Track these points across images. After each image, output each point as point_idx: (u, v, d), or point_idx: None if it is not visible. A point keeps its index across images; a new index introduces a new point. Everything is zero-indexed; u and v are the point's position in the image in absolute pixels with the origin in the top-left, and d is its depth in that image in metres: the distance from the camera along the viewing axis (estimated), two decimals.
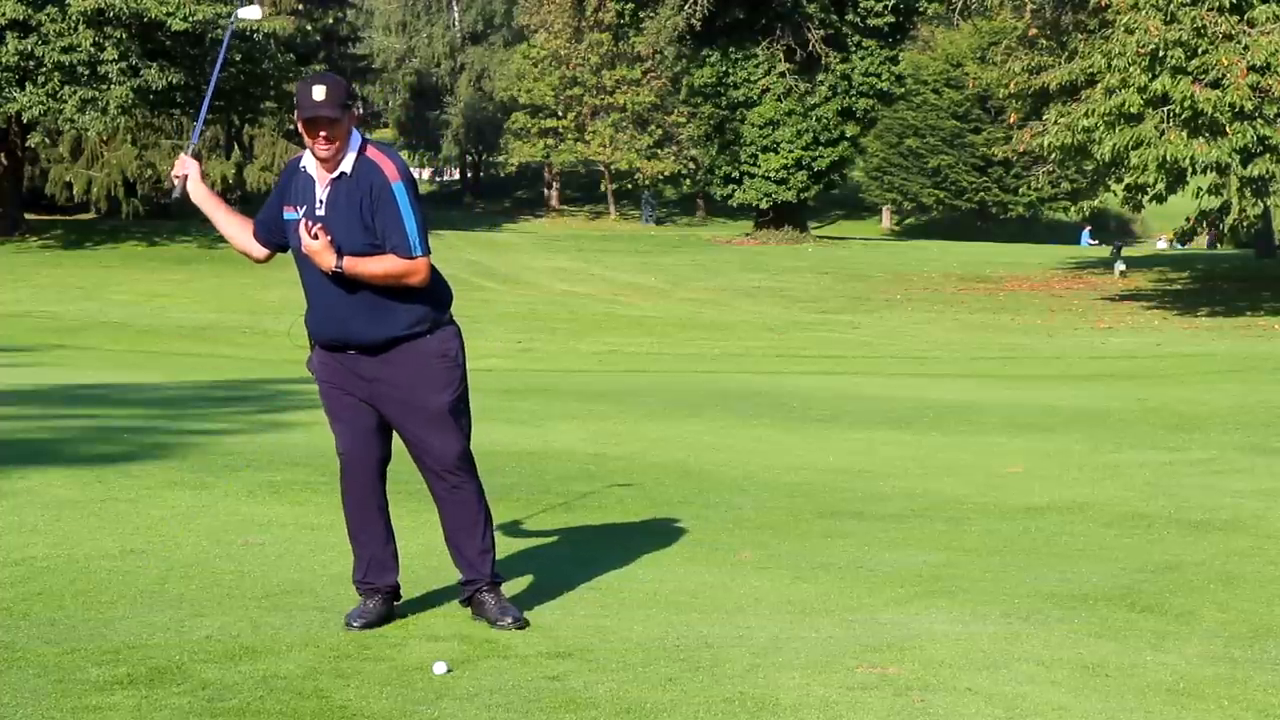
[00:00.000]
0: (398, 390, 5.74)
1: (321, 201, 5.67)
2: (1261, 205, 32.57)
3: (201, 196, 5.98)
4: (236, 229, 6.01)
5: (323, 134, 5.57)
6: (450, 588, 6.22)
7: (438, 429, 5.77)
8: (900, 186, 73.32)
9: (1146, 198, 33.87)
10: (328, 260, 5.61)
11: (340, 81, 5.66)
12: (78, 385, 16.07)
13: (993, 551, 7.67)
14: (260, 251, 5.98)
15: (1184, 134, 30.75)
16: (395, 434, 5.89)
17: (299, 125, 5.62)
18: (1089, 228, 63.53)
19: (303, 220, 5.67)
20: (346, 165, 5.64)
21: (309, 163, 5.72)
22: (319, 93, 5.53)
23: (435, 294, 5.78)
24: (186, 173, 6.00)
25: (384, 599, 5.88)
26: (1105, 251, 50.77)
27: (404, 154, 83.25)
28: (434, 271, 5.77)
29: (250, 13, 6.77)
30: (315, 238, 5.61)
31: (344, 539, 6.07)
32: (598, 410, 14.40)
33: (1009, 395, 17.09)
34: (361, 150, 5.66)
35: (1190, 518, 8.71)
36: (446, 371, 5.78)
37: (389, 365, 5.73)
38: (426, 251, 5.66)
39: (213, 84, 6.92)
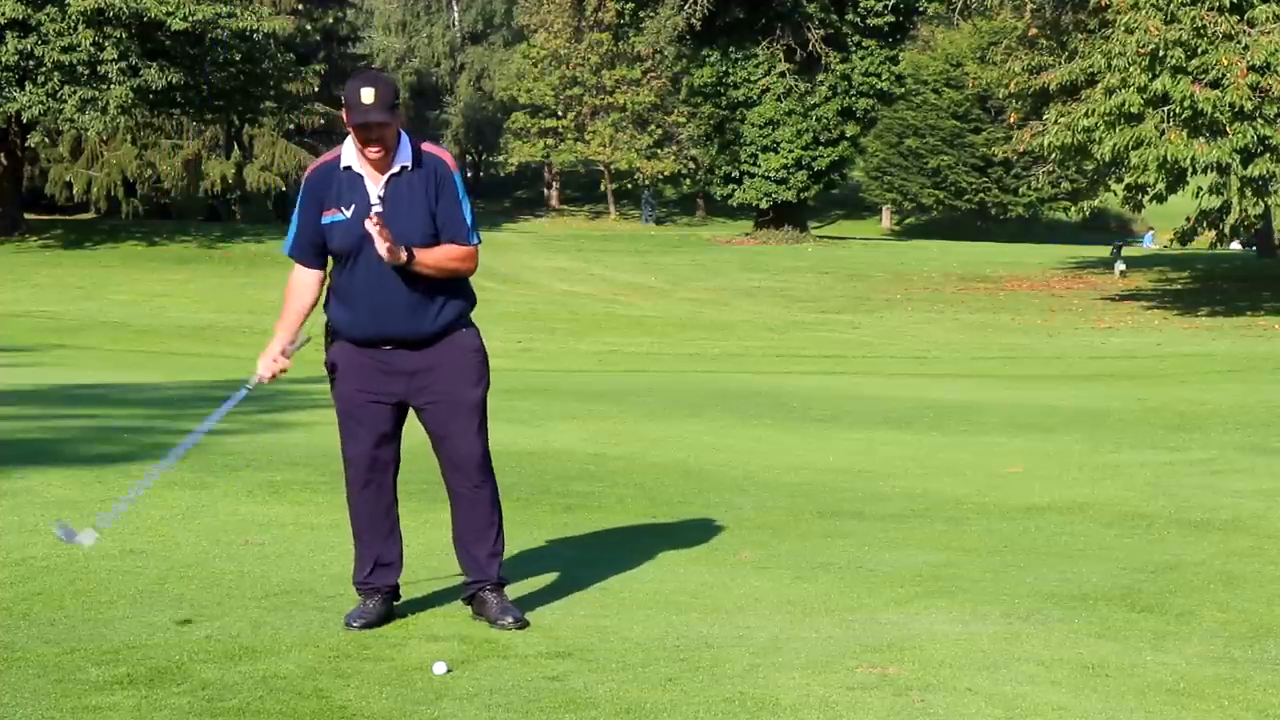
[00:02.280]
0: (440, 382, 5.76)
1: (380, 198, 5.64)
2: (1262, 205, 32.56)
3: (286, 343, 5.81)
4: (297, 313, 5.81)
5: (374, 138, 5.56)
6: (450, 588, 6.23)
7: (472, 422, 5.80)
8: (900, 186, 73.31)
9: (1146, 198, 33.88)
10: (399, 254, 5.56)
11: (388, 81, 5.63)
12: (78, 385, 16.06)
13: (993, 551, 7.67)
14: (318, 275, 5.84)
15: (1184, 134, 30.76)
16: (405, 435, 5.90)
17: (349, 127, 5.58)
18: (1151, 230, 62.94)
19: (371, 216, 5.57)
20: (405, 159, 5.65)
21: (354, 161, 5.68)
22: (368, 95, 5.50)
23: (470, 290, 5.90)
24: (286, 366, 5.84)
25: (384, 599, 5.88)
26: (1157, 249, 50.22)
27: None
28: None
29: (85, 538, 5.89)
30: (383, 235, 5.54)
31: (345, 539, 6.07)
32: (598, 410, 14.39)
33: (1009, 395, 17.09)
34: (415, 144, 5.68)
35: (1190, 518, 8.71)
36: (480, 365, 5.87)
37: (431, 358, 5.75)
38: (480, 239, 5.81)
39: None
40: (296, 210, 5.80)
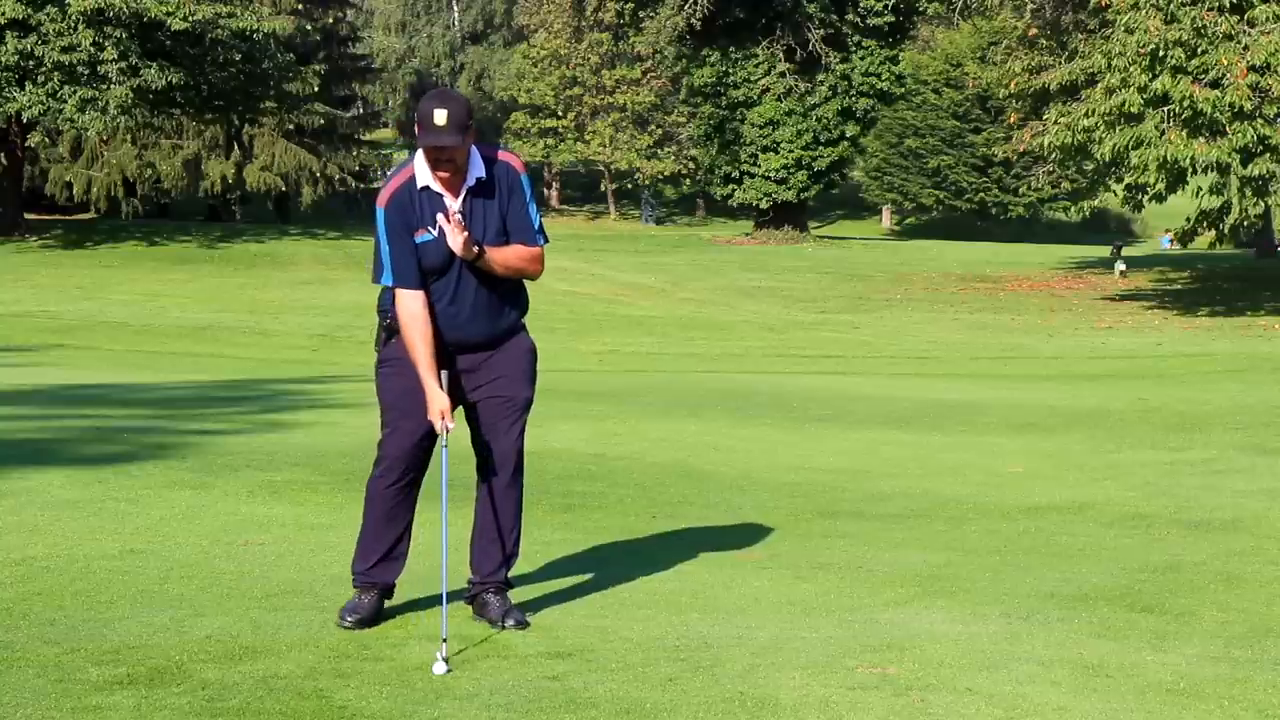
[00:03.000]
0: (499, 378, 5.86)
1: (461, 214, 5.65)
2: (1262, 205, 32.55)
3: (431, 377, 5.69)
4: (430, 333, 5.68)
5: (445, 159, 5.57)
6: (451, 588, 6.22)
7: (519, 422, 5.90)
8: (900, 186, 73.33)
9: (1146, 198, 33.88)
10: (472, 249, 5.62)
11: (461, 101, 5.60)
12: (78, 385, 16.05)
13: (993, 551, 7.67)
14: (424, 298, 5.70)
15: (1184, 134, 30.74)
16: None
17: (420, 145, 5.58)
18: (1169, 231, 62.41)
19: (451, 216, 5.60)
20: (478, 172, 5.68)
21: (429, 179, 5.65)
22: (440, 117, 5.48)
23: (527, 294, 6.02)
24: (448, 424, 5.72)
25: (378, 596, 5.89)
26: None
27: (404, 154, 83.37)
28: None
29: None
30: (461, 230, 5.59)
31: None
32: (598, 410, 14.38)
33: (1009, 395, 17.09)
34: (486, 154, 5.71)
35: (1190, 518, 8.71)
36: (534, 366, 6.01)
37: (495, 355, 5.87)
38: (547, 240, 5.87)
39: None
40: (384, 239, 5.65)
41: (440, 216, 5.63)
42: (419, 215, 5.65)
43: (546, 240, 5.88)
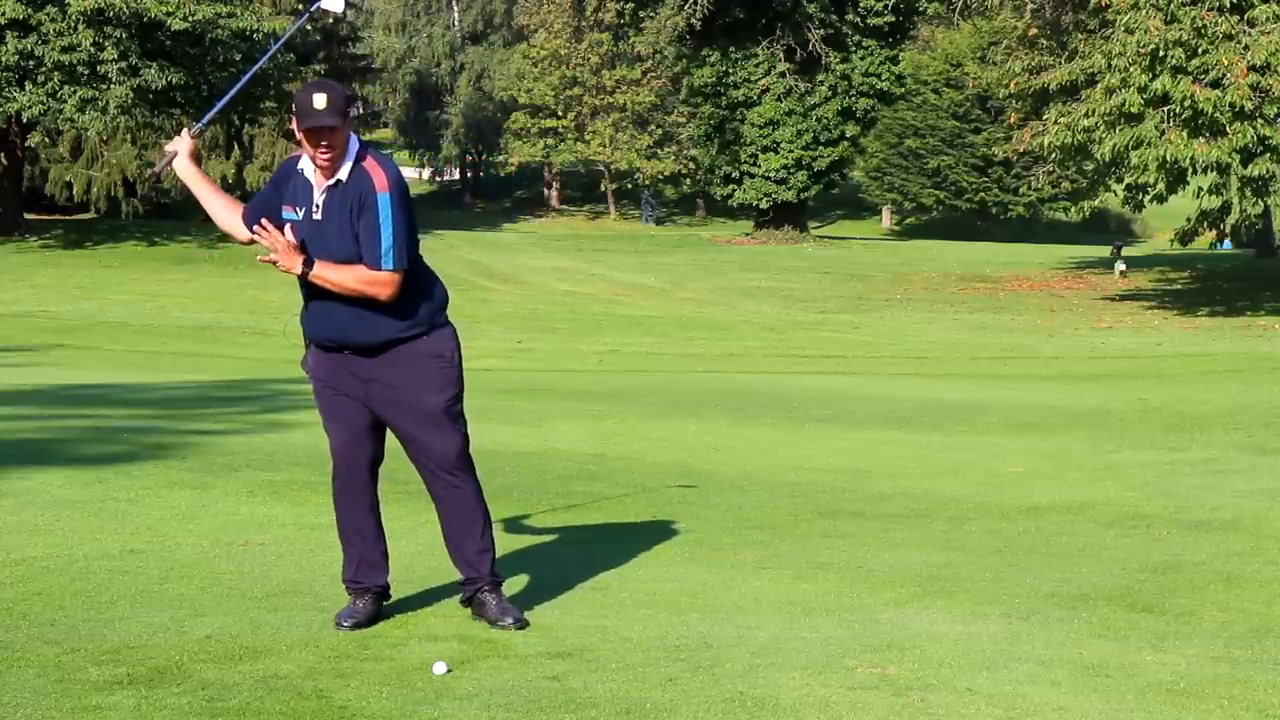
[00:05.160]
0: (393, 391, 5.74)
1: (318, 206, 5.66)
2: (1262, 205, 32.56)
3: (189, 173, 5.95)
4: (222, 207, 5.95)
5: (324, 143, 5.56)
6: (449, 587, 6.22)
7: (434, 429, 5.76)
8: (900, 186, 73.31)
9: (1147, 198, 33.89)
10: (292, 263, 5.59)
11: (339, 89, 5.63)
12: (78, 385, 16.05)
13: (993, 551, 7.67)
14: (245, 234, 5.87)
15: (1184, 134, 30.75)
16: (390, 434, 5.90)
17: (298, 133, 5.59)
18: (1227, 236, 61.74)
19: (263, 227, 5.65)
20: (343, 173, 5.63)
21: (306, 167, 5.71)
22: (320, 101, 5.51)
23: (431, 297, 5.80)
24: (178, 149, 5.97)
25: (373, 599, 5.88)
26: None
27: (404, 154, 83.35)
28: (430, 274, 5.82)
29: (333, 3, 6.76)
30: (269, 239, 5.61)
31: None
32: (598, 410, 14.38)
33: (1009, 395, 17.09)
34: (358, 158, 5.64)
35: (1190, 518, 8.71)
36: (442, 372, 5.78)
37: (385, 365, 5.73)
38: (399, 266, 5.60)
39: (250, 74, 6.92)
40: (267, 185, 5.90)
41: (256, 227, 5.67)
42: (291, 191, 5.73)
43: (399, 265, 5.56)
